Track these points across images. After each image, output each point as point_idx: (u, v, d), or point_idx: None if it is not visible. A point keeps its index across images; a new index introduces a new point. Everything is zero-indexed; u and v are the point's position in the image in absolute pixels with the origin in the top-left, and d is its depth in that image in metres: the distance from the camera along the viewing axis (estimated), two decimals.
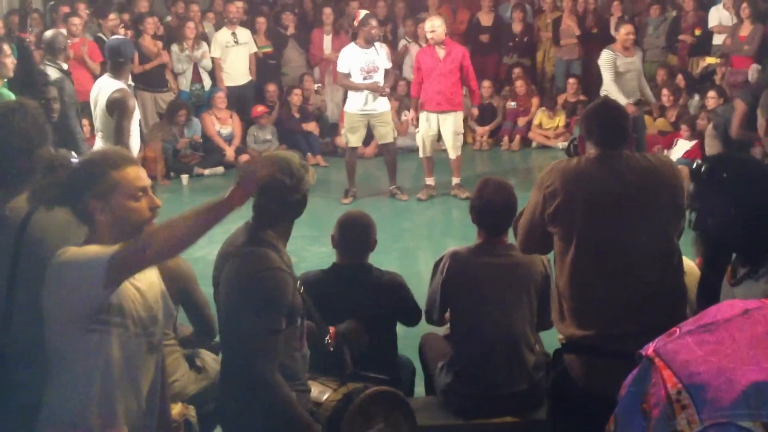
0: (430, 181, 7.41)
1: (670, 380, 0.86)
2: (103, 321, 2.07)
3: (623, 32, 7.24)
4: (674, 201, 2.64)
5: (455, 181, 7.39)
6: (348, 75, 7.04)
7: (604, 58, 7.08)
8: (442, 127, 7.14)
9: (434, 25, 7.01)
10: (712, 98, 7.79)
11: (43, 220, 2.36)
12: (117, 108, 4.84)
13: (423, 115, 7.16)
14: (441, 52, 6.98)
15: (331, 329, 2.93)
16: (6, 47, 4.60)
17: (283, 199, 2.53)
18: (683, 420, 0.84)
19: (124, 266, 2.02)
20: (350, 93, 7.19)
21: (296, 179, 2.51)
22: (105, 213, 2.12)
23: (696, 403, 0.83)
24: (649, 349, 0.93)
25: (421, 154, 7.35)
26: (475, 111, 7.75)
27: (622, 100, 6.62)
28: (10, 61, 4.53)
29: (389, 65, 7.20)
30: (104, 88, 4.99)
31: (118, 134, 4.76)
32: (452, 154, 7.25)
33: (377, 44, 7.08)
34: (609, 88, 7.00)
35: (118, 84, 4.98)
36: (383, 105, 7.12)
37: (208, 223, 2.07)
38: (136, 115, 5.30)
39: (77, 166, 2.20)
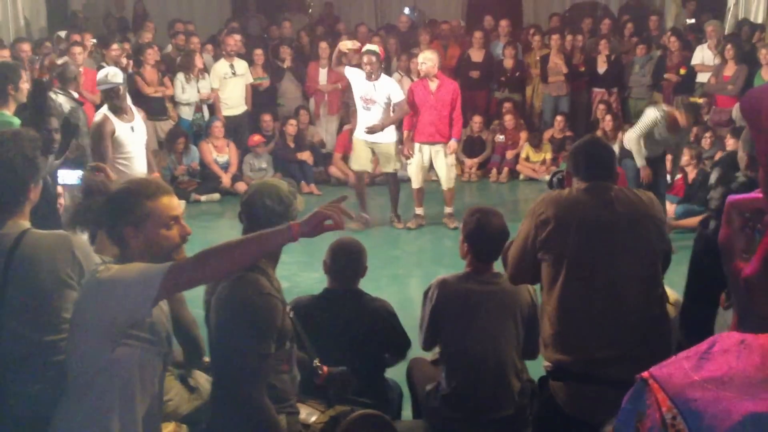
0: (419, 211, 7.53)
1: (664, 403, 0.86)
2: (135, 336, 2.11)
3: (681, 116, 6.57)
4: (659, 233, 2.75)
5: (448, 210, 7.50)
6: (349, 90, 7.23)
7: (648, 116, 6.56)
8: (435, 159, 7.26)
9: (426, 58, 7.16)
10: (707, 138, 7.97)
11: (32, 245, 2.45)
12: (94, 136, 5.05)
13: (416, 147, 7.28)
14: (433, 85, 7.13)
15: (325, 368, 2.97)
16: (24, 74, 4.73)
17: (272, 225, 2.51)
18: None
19: (179, 281, 2.05)
20: (358, 121, 7.28)
21: (284, 206, 2.57)
22: (138, 239, 2.18)
23: (690, 429, 0.83)
24: (644, 372, 0.94)
25: (413, 186, 7.46)
26: (453, 144, 7.35)
27: (639, 161, 6.55)
28: (26, 87, 4.66)
29: (398, 99, 7.10)
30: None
31: (94, 158, 4.87)
32: (445, 185, 7.37)
33: (384, 79, 7.13)
34: (630, 142, 6.63)
35: (103, 110, 5.21)
36: (386, 137, 7.21)
37: (260, 250, 2.16)
38: (139, 140, 5.43)
39: (114, 194, 2.25)
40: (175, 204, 2.25)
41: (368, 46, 7.34)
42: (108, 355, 2.09)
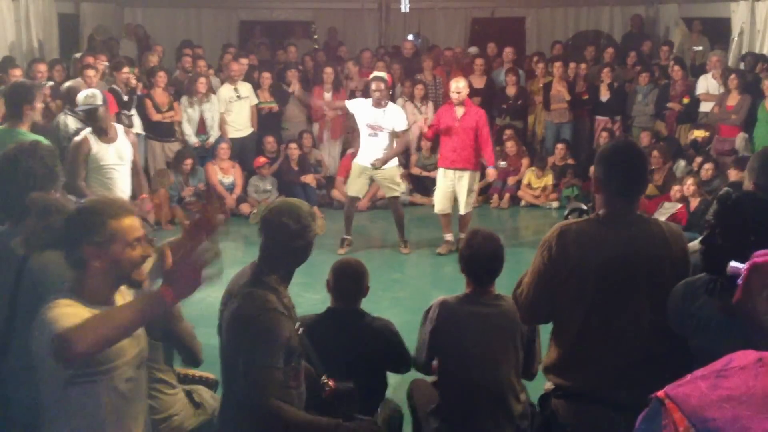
0: (448, 237, 7.51)
1: (681, 423, 0.85)
2: (89, 374, 2.06)
3: None
4: (677, 276, 2.55)
5: (461, 235, 7.52)
6: (352, 114, 7.28)
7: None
8: (457, 185, 7.30)
9: (459, 87, 7.20)
10: (708, 170, 8.00)
11: (44, 255, 2.47)
12: (68, 156, 5.10)
13: (440, 172, 7.35)
14: (460, 112, 7.18)
15: (331, 382, 3.00)
16: (38, 94, 4.85)
17: (288, 244, 2.61)
18: None
19: (62, 354, 1.92)
20: (361, 145, 7.34)
21: (301, 226, 2.60)
22: (100, 260, 2.14)
23: None
24: (659, 391, 0.93)
25: (438, 211, 7.47)
26: (492, 171, 7.57)
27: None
28: (41, 107, 4.79)
29: (403, 127, 7.25)
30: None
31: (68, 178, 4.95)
32: (463, 210, 7.37)
33: (392, 106, 7.24)
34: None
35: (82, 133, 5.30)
36: (389, 162, 7.27)
37: (136, 319, 2.00)
38: (123, 161, 5.47)
39: (74, 214, 2.21)
40: (137, 224, 2.24)
41: (376, 73, 7.42)
42: (62, 392, 2.05)
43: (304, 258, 2.72)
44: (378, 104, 7.09)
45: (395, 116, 7.17)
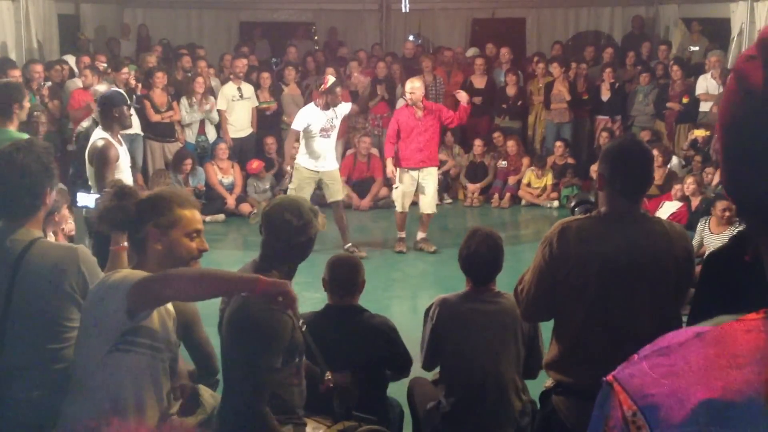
0: (402, 234, 7.58)
1: (625, 403, 0.88)
2: (130, 342, 2.17)
3: (719, 207, 6.24)
4: (680, 274, 2.57)
5: (421, 235, 7.55)
6: (301, 133, 7.13)
7: (698, 230, 6.33)
8: (424, 183, 7.33)
9: (414, 87, 7.23)
10: (708, 173, 8.00)
11: (40, 255, 2.50)
12: (96, 160, 4.98)
13: (405, 173, 7.35)
14: (419, 112, 7.21)
15: (329, 373, 2.98)
16: (27, 93, 4.85)
17: (290, 240, 2.61)
18: None
19: (146, 295, 2.12)
20: (302, 149, 7.25)
21: (304, 222, 2.60)
22: (160, 243, 2.28)
23: (650, 424, 0.84)
24: (609, 375, 0.96)
25: (398, 209, 7.50)
26: (463, 95, 7.48)
27: None
28: (28, 106, 4.78)
29: (347, 111, 7.40)
30: (93, 137, 5.18)
31: (99, 182, 4.83)
32: (428, 210, 7.41)
33: (342, 105, 7.25)
34: None
35: (103, 134, 5.14)
36: (332, 164, 7.30)
37: (227, 288, 2.27)
38: (126, 164, 5.48)
39: (146, 198, 2.36)
40: (199, 218, 2.37)
41: (332, 79, 7.40)
42: (105, 357, 2.15)
43: (305, 254, 2.72)
44: (328, 107, 7.10)
45: (343, 110, 7.27)
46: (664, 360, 0.90)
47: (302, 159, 7.23)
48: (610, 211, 2.60)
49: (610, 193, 2.60)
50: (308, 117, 7.13)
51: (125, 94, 5.73)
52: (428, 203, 7.41)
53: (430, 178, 7.34)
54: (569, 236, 2.57)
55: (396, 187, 7.50)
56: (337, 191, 7.35)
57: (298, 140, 7.26)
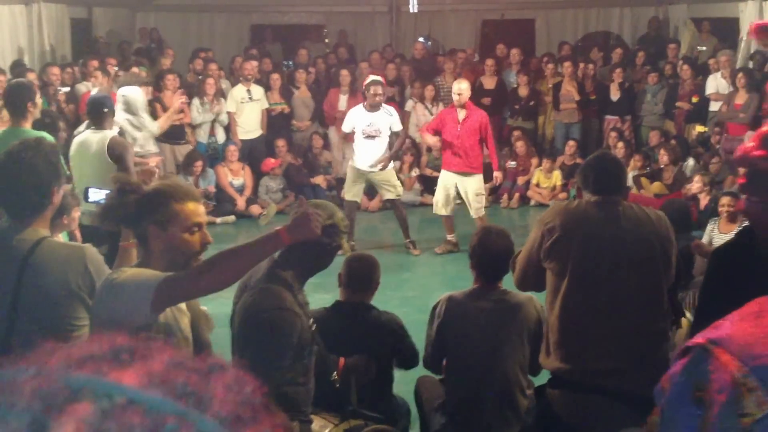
0: (450, 237, 7.48)
1: (732, 364, 0.85)
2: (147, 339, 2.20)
3: (724, 202, 6.18)
4: (665, 252, 2.79)
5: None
6: (351, 134, 7.28)
7: (707, 230, 6.33)
8: (461, 189, 7.22)
9: (461, 88, 7.10)
10: (715, 163, 8.07)
11: (47, 254, 2.51)
12: (119, 150, 5.01)
13: (442, 174, 7.33)
14: (461, 115, 7.10)
15: (341, 359, 3.03)
16: (39, 91, 4.92)
17: (314, 244, 2.54)
18: (751, 403, 0.83)
19: (172, 293, 2.09)
20: (356, 149, 7.37)
21: (332, 223, 2.59)
22: (160, 240, 2.23)
23: (764, 385, 0.82)
24: (698, 339, 0.92)
25: (435, 212, 7.41)
26: (498, 175, 7.57)
27: None
28: (40, 103, 4.86)
29: (398, 128, 7.31)
30: (88, 140, 5.18)
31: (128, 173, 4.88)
32: (474, 214, 7.26)
33: (385, 108, 7.25)
34: None
35: (109, 132, 5.20)
36: (380, 167, 7.28)
37: (255, 258, 2.23)
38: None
39: (145, 193, 2.30)
40: (201, 211, 2.30)
41: (373, 77, 7.41)
42: None
43: (328, 261, 2.69)
44: (373, 108, 7.12)
45: (390, 118, 7.21)
46: (764, 320, 0.88)
47: (354, 157, 7.38)
48: (595, 200, 2.92)
49: (586, 196, 2.94)
50: (353, 118, 7.26)
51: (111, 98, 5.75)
52: (471, 208, 7.25)
53: (469, 184, 7.16)
54: (558, 211, 2.90)
55: (436, 189, 7.47)
56: (388, 191, 7.35)
57: (346, 140, 7.43)
